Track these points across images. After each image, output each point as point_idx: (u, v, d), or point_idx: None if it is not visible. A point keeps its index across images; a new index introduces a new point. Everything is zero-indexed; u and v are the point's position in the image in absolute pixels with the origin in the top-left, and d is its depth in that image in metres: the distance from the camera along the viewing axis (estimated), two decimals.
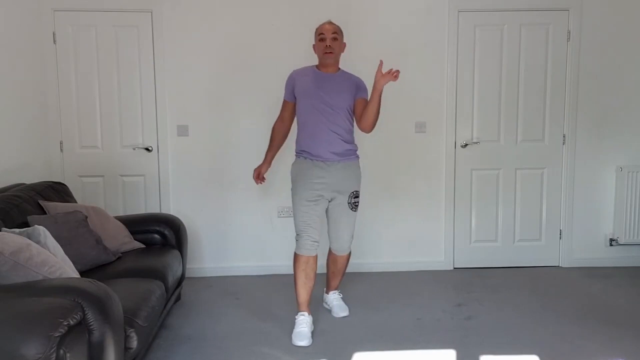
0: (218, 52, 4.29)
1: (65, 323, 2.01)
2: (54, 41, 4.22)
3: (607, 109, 4.44)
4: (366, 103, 3.29)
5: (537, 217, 4.54)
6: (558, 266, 4.57)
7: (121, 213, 4.19)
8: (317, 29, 3.39)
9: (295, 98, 3.41)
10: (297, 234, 3.39)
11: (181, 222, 3.78)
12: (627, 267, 4.49)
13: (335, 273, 3.65)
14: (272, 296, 3.97)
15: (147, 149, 4.36)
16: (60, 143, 4.32)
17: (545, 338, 3.22)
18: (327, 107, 3.30)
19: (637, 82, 4.41)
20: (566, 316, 3.52)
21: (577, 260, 4.54)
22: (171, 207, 4.38)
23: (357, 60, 4.32)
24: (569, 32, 4.36)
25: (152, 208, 4.38)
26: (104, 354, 2.18)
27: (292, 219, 4.41)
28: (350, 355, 3.03)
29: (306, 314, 3.34)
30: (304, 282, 3.35)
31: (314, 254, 3.35)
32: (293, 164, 3.52)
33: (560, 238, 4.56)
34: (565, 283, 4.18)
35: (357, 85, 3.40)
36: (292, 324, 3.44)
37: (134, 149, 4.36)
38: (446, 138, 4.42)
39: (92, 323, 2.14)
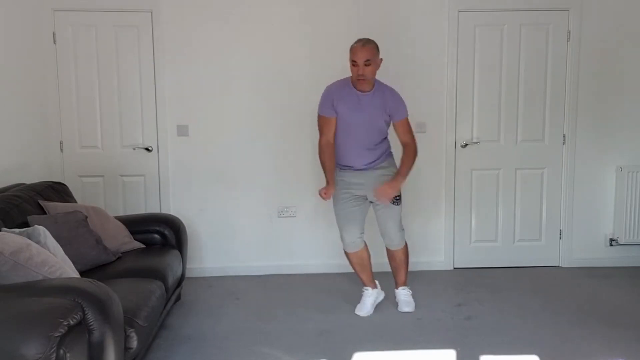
0: (218, 52, 4.29)
1: (65, 323, 2.01)
2: (54, 41, 4.22)
3: (607, 109, 4.44)
4: (402, 127, 3.50)
5: (537, 217, 4.54)
6: (558, 266, 4.57)
7: (121, 213, 4.19)
8: (350, 50, 3.38)
9: (335, 112, 3.45)
10: (340, 233, 3.62)
11: (181, 222, 3.78)
12: (627, 267, 4.49)
13: (397, 268, 3.72)
14: (272, 296, 3.97)
15: (147, 149, 4.36)
16: (60, 143, 4.32)
17: (545, 338, 3.22)
18: (361, 127, 3.43)
19: (637, 82, 4.41)
20: (566, 316, 3.52)
21: (577, 260, 4.54)
22: (171, 207, 4.38)
23: None
24: (569, 32, 4.36)
25: (152, 208, 4.38)
26: (104, 354, 2.18)
27: (293, 219, 4.46)
28: (350, 355, 3.03)
29: (369, 288, 3.67)
30: (360, 270, 3.67)
31: (359, 249, 3.61)
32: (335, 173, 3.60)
33: (560, 238, 4.56)
34: (565, 283, 4.18)
35: (392, 108, 3.46)
36: (292, 324, 3.45)
37: (134, 149, 4.36)
38: (446, 138, 4.42)
39: (92, 323, 2.14)
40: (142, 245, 3.56)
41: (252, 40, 4.29)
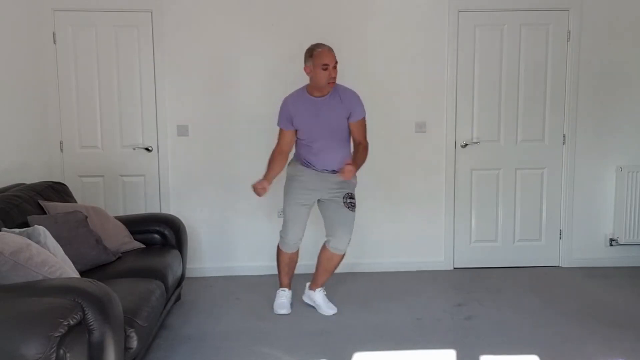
0: (218, 52, 4.29)
1: (65, 323, 2.01)
2: (54, 41, 4.22)
3: (607, 109, 4.43)
4: (358, 127, 3.47)
5: (537, 217, 4.54)
6: (558, 266, 4.57)
7: (121, 213, 4.18)
8: (316, 55, 3.34)
9: (292, 125, 3.49)
10: (283, 231, 3.61)
11: (181, 222, 3.78)
12: (627, 267, 4.49)
13: (327, 270, 3.65)
14: (272, 296, 3.96)
15: (147, 149, 4.36)
16: (60, 143, 4.32)
17: (545, 338, 3.22)
18: (327, 130, 3.44)
19: (637, 82, 4.41)
20: (566, 316, 3.52)
21: (577, 260, 4.54)
22: (171, 207, 4.38)
23: (357, 60, 4.33)
24: (569, 32, 4.36)
25: (152, 208, 4.38)
26: (104, 354, 2.18)
27: None
28: (350, 355, 3.03)
29: (286, 289, 3.72)
30: (286, 272, 3.71)
31: (295, 250, 3.66)
32: (290, 163, 3.62)
33: (560, 238, 4.56)
34: (565, 283, 4.18)
35: (349, 109, 3.44)
36: (292, 324, 3.46)
37: (134, 149, 4.36)
38: (446, 138, 4.42)
39: (92, 323, 2.14)
40: (142, 245, 3.56)
41: (252, 40, 4.29)
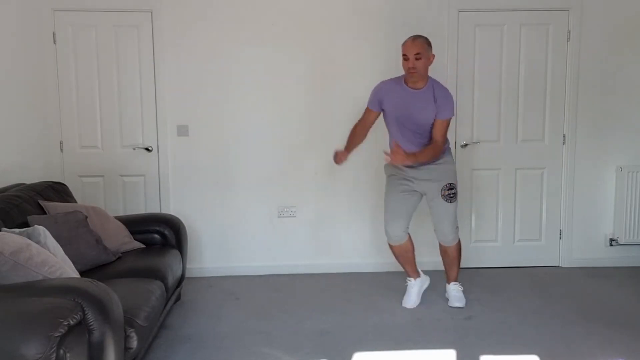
0: (218, 51, 4.29)
1: (65, 323, 2.01)
2: (54, 41, 4.22)
3: (607, 109, 4.43)
4: (439, 125, 3.48)
5: (537, 217, 4.54)
6: (558, 266, 4.57)
7: (121, 213, 4.19)
8: (402, 45, 3.44)
9: (381, 110, 3.56)
10: (385, 225, 3.69)
11: (181, 222, 3.78)
12: (627, 267, 4.49)
13: (450, 264, 3.76)
14: (272, 296, 3.97)
15: (147, 149, 4.36)
16: (60, 143, 4.32)
17: (545, 338, 3.22)
18: (412, 123, 3.49)
19: (637, 82, 4.41)
20: (566, 316, 3.52)
21: (577, 260, 4.54)
22: (171, 207, 4.38)
23: (357, 60, 4.33)
24: (569, 32, 4.36)
25: (152, 208, 4.38)
26: (104, 354, 2.18)
27: (293, 219, 4.46)
28: (350, 355, 3.03)
29: (412, 279, 3.77)
30: (404, 261, 3.77)
31: (403, 241, 3.68)
32: (385, 165, 3.71)
33: (560, 238, 4.56)
34: (565, 283, 4.18)
35: (439, 105, 3.47)
36: (292, 324, 3.45)
37: (134, 149, 4.36)
38: None
39: (92, 323, 2.14)
40: (142, 245, 3.56)
41: (253, 40, 4.29)
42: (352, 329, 3.38)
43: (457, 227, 3.68)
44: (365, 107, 3.63)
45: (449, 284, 3.81)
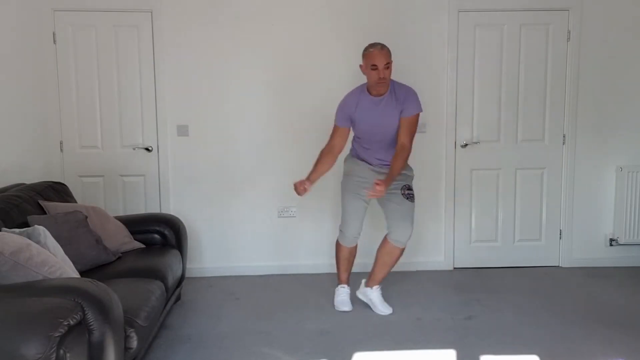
0: (218, 51, 4.29)
1: (65, 323, 2.01)
2: (54, 41, 4.22)
3: (607, 109, 4.43)
4: (405, 124, 3.43)
5: (537, 217, 4.54)
6: (558, 266, 4.57)
7: (121, 213, 4.19)
8: (367, 55, 3.37)
9: (350, 123, 3.52)
10: (343, 225, 3.64)
11: (181, 222, 3.78)
12: (627, 267, 4.49)
13: (386, 265, 3.61)
14: (272, 296, 3.97)
15: (147, 149, 4.36)
16: (60, 143, 4.32)
17: (545, 338, 3.22)
18: (380, 132, 3.47)
19: (637, 82, 4.41)
20: (566, 316, 3.52)
21: (577, 260, 4.54)
22: (171, 207, 4.38)
23: (356, 60, 4.33)
24: (569, 32, 4.36)
25: (152, 208, 4.38)
26: (104, 354, 2.18)
27: (293, 219, 4.45)
28: (350, 355, 3.03)
29: (346, 285, 3.76)
30: (345, 267, 3.74)
31: (354, 244, 3.68)
32: (346, 159, 3.68)
33: (560, 238, 4.56)
34: (565, 283, 4.18)
35: (403, 102, 3.45)
36: (292, 324, 3.45)
37: (134, 149, 4.36)
38: (446, 138, 4.42)
39: (92, 323, 2.14)
40: (142, 245, 3.56)
41: (253, 41, 4.29)
42: (352, 329, 3.38)
43: (412, 228, 3.55)
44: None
45: (371, 287, 3.66)
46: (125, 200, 4.40)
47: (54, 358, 1.95)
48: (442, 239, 4.52)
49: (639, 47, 4.39)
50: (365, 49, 3.41)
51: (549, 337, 3.22)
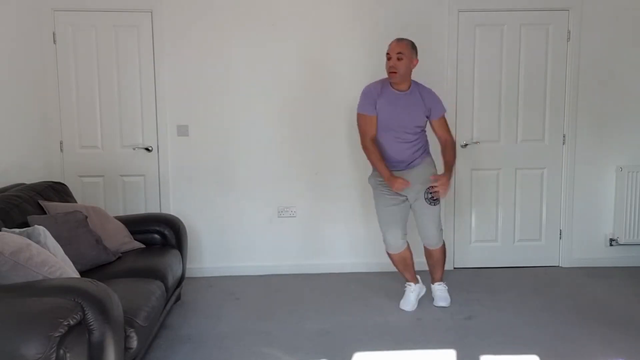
0: (218, 51, 4.29)
1: (65, 323, 2.01)
2: (54, 41, 4.22)
3: (607, 108, 4.43)
4: (441, 124, 3.58)
5: (537, 217, 4.54)
6: (558, 266, 4.57)
7: (121, 213, 4.19)
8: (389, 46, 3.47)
9: (375, 111, 3.51)
10: (383, 236, 3.67)
11: (181, 222, 3.78)
12: (627, 267, 4.49)
13: (434, 265, 3.76)
14: (272, 296, 3.97)
15: (147, 149, 4.36)
16: (60, 143, 4.32)
17: (545, 338, 3.22)
18: (399, 126, 3.48)
19: (637, 82, 4.41)
20: (566, 316, 3.52)
21: (577, 260, 4.54)
22: (171, 207, 4.38)
23: (357, 60, 4.33)
24: (569, 32, 4.36)
25: (152, 208, 4.38)
26: (104, 354, 2.18)
27: (293, 219, 4.46)
28: (350, 355, 3.03)
29: (412, 284, 3.74)
30: (403, 269, 3.75)
31: (402, 250, 3.66)
32: (370, 176, 3.69)
33: (560, 238, 4.56)
34: (565, 283, 4.18)
35: (429, 106, 3.51)
36: (292, 324, 3.45)
37: (134, 149, 4.36)
38: None
39: (92, 323, 2.14)
40: (142, 245, 3.56)
41: (253, 40, 4.29)
42: (352, 329, 3.38)
43: (441, 229, 3.69)
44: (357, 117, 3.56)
45: (433, 284, 3.80)
46: (125, 200, 4.40)
47: (54, 358, 1.95)
48: None
49: (639, 47, 4.39)
50: None
51: (549, 337, 3.22)
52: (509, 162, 4.48)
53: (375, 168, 3.58)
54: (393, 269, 4.46)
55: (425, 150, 3.64)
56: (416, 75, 4.34)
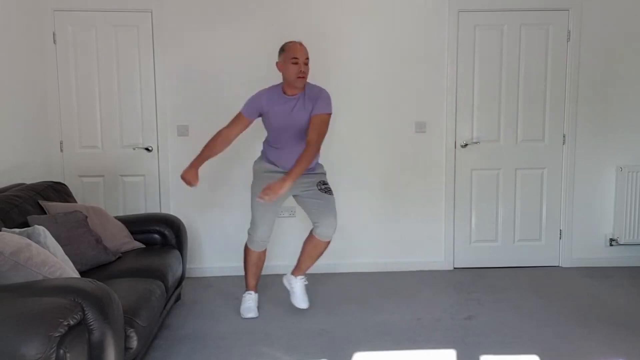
0: (218, 52, 4.29)
1: (65, 323, 2.01)
2: (54, 41, 4.22)
3: (607, 109, 4.44)
4: (315, 122, 3.34)
5: (537, 217, 4.54)
6: (558, 266, 4.57)
7: (121, 213, 4.19)
8: (287, 49, 3.35)
9: (257, 116, 3.48)
10: (252, 229, 3.56)
11: (181, 222, 3.78)
12: (627, 267, 4.49)
13: (312, 257, 3.58)
14: (272, 296, 3.97)
15: (147, 149, 4.36)
16: (60, 143, 4.32)
17: (546, 338, 3.22)
18: (294, 129, 3.42)
19: (637, 82, 4.41)
20: (566, 316, 3.52)
21: (577, 260, 4.54)
22: (171, 207, 4.38)
23: (357, 60, 4.33)
24: (569, 32, 4.36)
25: (152, 208, 4.38)
26: (104, 354, 2.18)
27: (293, 219, 4.45)
28: (350, 355, 3.03)
29: (253, 292, 3.70)
30: (254, 272, 3.68)
31: (263, 249, 3.63)
32: (256, 162, 3.62)
33: (560, 238, 4.56)
34: (565, 283, 4.18)
35: (315, 101, 3.39)
36: (292, 324, 3.45)
37: (134, 149, 4.36)
38: (446, 138, 4.42)
39: (92, 323, 2.14)
40: (142, 245, 3.56)
41: (252, 40, 4.29)
42: (352, 329, 3.38)
43: (336, 222, 3.50)
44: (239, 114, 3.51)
45: (295, 275, 3.64)
46: (125, 200, 4.40)
47: (54, 358, 1.95)
48: (442, 238, 4.52)
49: (638, 47, 4.39)
50: (285, 44, 3.39)
51: (549, 337, 3.22)
52: (509, 162, 4.48)
53: (201, 152, 3.45)
54: (392, 268, 4.48)
55: (317, 162, 3.55)
56: (417, 74, 4.37)
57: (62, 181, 3.97)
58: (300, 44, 3.38)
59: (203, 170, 4.36)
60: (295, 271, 3.67)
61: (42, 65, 4.19)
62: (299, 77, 3.34)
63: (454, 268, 4.53)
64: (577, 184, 4.49)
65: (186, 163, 4.33)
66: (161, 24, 4.24)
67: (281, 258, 4.44)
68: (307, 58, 3.37)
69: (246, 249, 3.65)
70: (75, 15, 4.22)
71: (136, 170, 4.38)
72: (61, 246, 2.69)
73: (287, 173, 3.29)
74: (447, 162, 4.44)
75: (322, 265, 4.43)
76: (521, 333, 3.29)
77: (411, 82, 4.36)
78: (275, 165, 3.51)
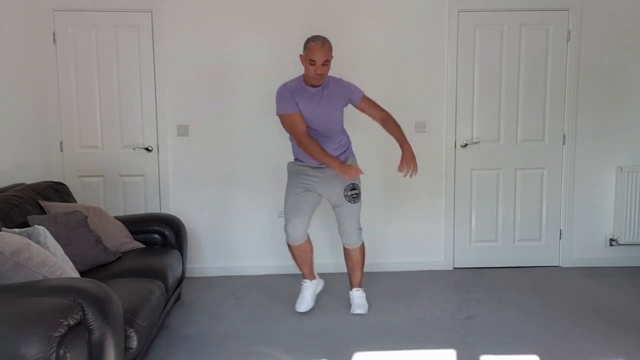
0: (218, 51, 4.29)
1: (65, 323, 2.01)
2: (54, 41, 4.22)
3: (607, 109, 4.44)
4: (368, 104, 3.52)
5: (537, 217, 4.54)
6: (558, 266, 4.57)
7: (121, 213, 4.19)
8: (308, 48, 3.31)
9: (298, 107, 3.43)
10: (285, 225, 3.56)
11: (181, 222, 3.78)
12: (627, 267, 4.49)
13: (353, 268, 3.68)
14: (272, 296, 3.97)
15: (147, 149, 4.36)
16: (60, 143, 4.32)
17: (546, 338, 3.22)
18: (319, 122, 3.43)
19: (637, 82, 4.41)
20: (566, 316, 3.52)
21: (577, 260, 4.54)
22: (171, 207, 4.38)
23: (357, 60, 4.33)
24: (569, 32, 4.36)
25: (152, 208, 4.38)
26: (104, 354, 2.18)
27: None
28: (350, 355, 3.03)
29: (307, 281, 3.72)
30: (301, 262, 3.71)
31: (303, 242, 3.59)
32: (289, 164, 3.65)
33: (560, 238, 4.56)
34: (565, 283, 4.18)
35: (347, 94, 3.47)
36: (292, 324, 3.45)
37: (134, 149, 4.36)
38: (446, 138, 4.42)
39: (92, 323, 2.14)
40: (142, 245, 3.56)
41: (252, 40, 4.29)
42: (352, 329, 3.38)
43: (360, 228, 3.59)
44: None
45: (351, 289, 3.70)
46: (125, 200, 4.40)
47: (54, 358, 1.95)
48: (442, 239, 4.52)
49: (639, 47, 4.39)
50: (307, 41, 3.35)
51: (549, 337, 3.22)
52: (509, 162, 4.48)
53: (322, 162, 3.39)
54: (393, 268, 4.48)
55: (349, 149, 3.59)
56: (417, 74, 4.37)
57: (62, 181, 3.97)
58: (323, 44, 3.28)
59: (203, 170, 4.39)
60: (350, 286, 3.74)
61: (42, 65, 4.19)
62: (317, 78, 3.34)
63: (454, 268, 4.53)
64: (577, 184, 4.49)
65: (186, 163, 4.37)
66: (161, 24, 4.24)
67: (281, 258, 4.45)
68: (327, 60, 3.30)
69: (288, 246, 3.65)
70: (75, 15, 4.22)
71: (136, 170, 4.38)
72: (61, 246, 2.70)
73: (401, 142, 3.43)
74: (447, 162, 4.44)
75: (322, 265, 4.44)
76: (521, 333, 3.29)
77: (411, 82, 4.36)
78: (301, 161, 3.54)
